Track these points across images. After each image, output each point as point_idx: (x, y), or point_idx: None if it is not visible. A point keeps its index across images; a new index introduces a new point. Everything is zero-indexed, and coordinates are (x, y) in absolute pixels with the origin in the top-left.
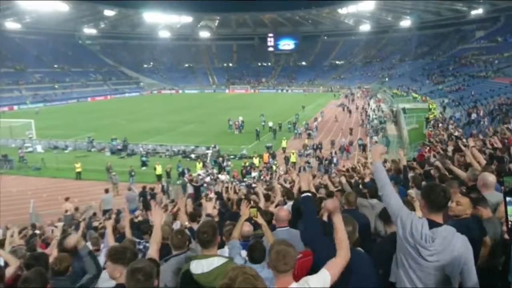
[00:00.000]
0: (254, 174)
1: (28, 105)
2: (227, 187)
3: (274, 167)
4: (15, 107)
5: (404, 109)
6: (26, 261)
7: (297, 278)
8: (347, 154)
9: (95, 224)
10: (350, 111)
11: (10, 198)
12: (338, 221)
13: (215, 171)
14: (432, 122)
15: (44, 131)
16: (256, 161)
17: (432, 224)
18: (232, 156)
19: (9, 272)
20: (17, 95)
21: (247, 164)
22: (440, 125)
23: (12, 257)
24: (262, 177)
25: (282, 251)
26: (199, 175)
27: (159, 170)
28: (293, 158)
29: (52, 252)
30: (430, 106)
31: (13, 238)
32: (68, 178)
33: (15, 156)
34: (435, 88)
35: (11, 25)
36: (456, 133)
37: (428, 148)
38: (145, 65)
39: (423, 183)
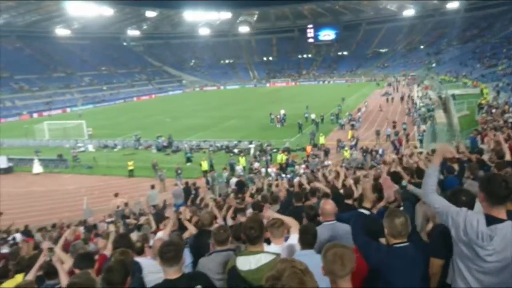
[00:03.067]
0: (297, 167)
1: (79, 107)
2: (270, 182)
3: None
4: (68, 110)
5: (453, 95)
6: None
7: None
8: (400, 147)
9: (141, 221)
10: (402, 98)
11: (67, 195)
12: None
13: (256, 165)
14: (485, 107)
15: (94, 131)
16: (279, 157)
17: (492, 220)
18: (274, 150)
19: (64, 269)
20: (69, 98)
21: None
22: (494, 110)
23: (65, 255)
24: (303, 170)
25: (338, 252)
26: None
27: (204, 166)
28: (346, 154)
29: (107, 247)
30: (483, 91)
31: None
32: (118, 175)
33: (68, 156)
34: (487, 72)
35: (60, 31)
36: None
37: (480, 135)
38: (187, 63)
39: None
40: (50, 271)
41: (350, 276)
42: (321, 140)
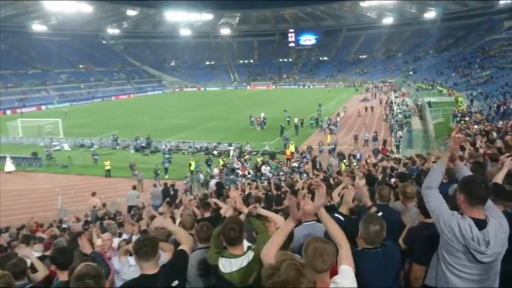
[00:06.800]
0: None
1: (55, 105)
2: (249, 184)
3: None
4: (43, 107)
5: (429, 103)
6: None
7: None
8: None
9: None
10: (386, 102)
11: (41, 194)
12: (325, 217)
13: (236, 166)
14: (459, 115)
15: (70, 130)
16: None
17: (479, 224)
18: (254, 153)
19: (37, 277)
20: (44, 95)
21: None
22: (468, 118)
23: (41, 265)
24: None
25: (319, 248)
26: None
27: (194, 166)
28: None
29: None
30: (458, 99)
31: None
32: (94, 175)
33: (43, 154)
34: (461, 81)
35: (37, 27)
36: (487, 128)
37: None
38: (167, 64)
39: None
40: (16, 271)
41: (329, 272)
42: (291, 148)
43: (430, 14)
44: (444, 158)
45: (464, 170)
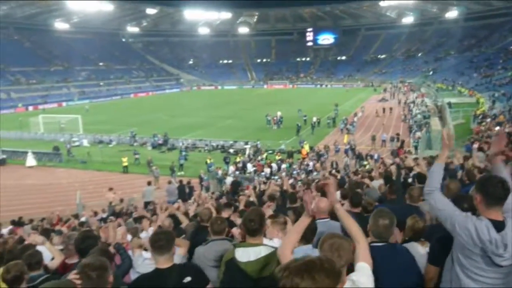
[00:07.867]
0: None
1: (75, 102)
2: (265, 182)
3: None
4: (64, 104)
5: (449, 104)
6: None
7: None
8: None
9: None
10: (408, 104)
11: (61, 189)
12: (342, 213)
13: (249, 165)
14: (480, 117)
15: (90, 126)
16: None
17: (497, 225)
18: (270, 151)
19: (54, 263)
20: (65, 92)
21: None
22: (489, 120)
23: (57, 250)
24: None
25: (335, 243)
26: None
27: (208, 163)
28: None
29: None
30: (479, 101)
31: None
32: (112, 171)
33: (63, 150)
34: (483, 81)
35: (60, 25)
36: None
37: (478, 143)
38: (185, 62)
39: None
40: (32, 261)
41: (345, 268)
42: (306, 147)
43: (452, 14)
44: (441, 157)
45: (501, 169)
